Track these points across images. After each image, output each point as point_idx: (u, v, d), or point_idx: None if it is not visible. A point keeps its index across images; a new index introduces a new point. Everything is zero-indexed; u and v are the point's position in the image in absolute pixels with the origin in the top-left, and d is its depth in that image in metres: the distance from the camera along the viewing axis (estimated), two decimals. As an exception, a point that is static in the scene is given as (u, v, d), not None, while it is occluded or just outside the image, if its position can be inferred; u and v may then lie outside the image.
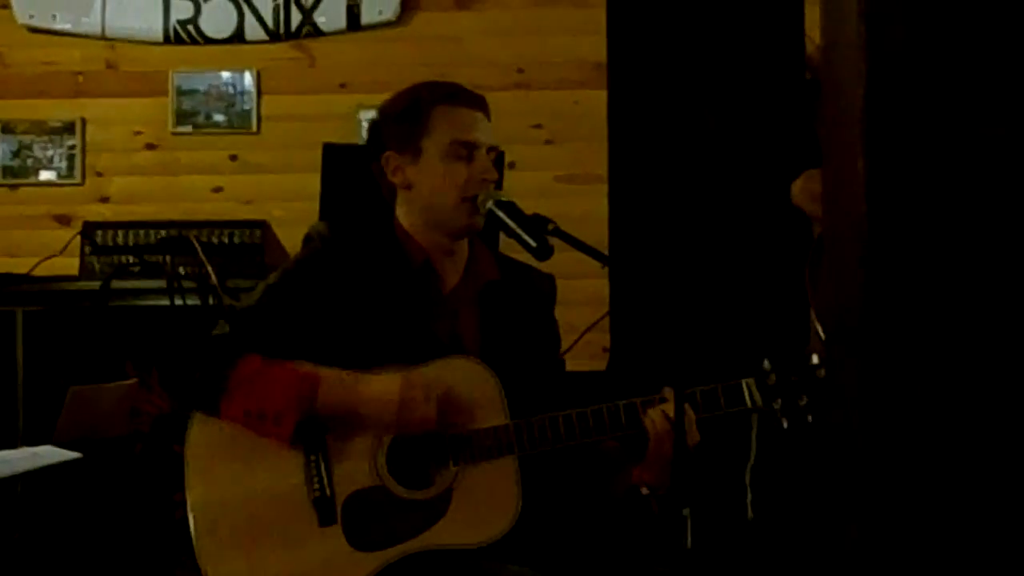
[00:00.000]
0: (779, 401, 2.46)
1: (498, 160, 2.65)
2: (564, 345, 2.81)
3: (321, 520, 2.44)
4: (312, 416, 2.42)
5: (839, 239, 1.40)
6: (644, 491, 2.50)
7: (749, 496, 3.44)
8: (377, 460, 2.45)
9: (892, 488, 1.39)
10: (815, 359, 2.47)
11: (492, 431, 2.45)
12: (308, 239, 2.63)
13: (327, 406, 2.43)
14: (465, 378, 2.48)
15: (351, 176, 4.12)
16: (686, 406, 2.41)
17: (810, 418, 2.46)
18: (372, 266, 2.56)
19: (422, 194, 2.58)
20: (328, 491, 2.45)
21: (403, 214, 2.63)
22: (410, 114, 2.58)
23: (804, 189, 3.26)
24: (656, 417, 2.44)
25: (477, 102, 2.60)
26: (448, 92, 2.61)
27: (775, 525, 3.41)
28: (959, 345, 1.38)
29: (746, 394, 2.46)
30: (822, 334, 3.06)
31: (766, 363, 2.47)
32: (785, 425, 2.46)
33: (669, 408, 2.42)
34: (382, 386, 2.43)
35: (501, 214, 2.50)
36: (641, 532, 2.67)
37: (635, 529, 2.66)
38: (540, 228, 2.45)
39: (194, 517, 2.47)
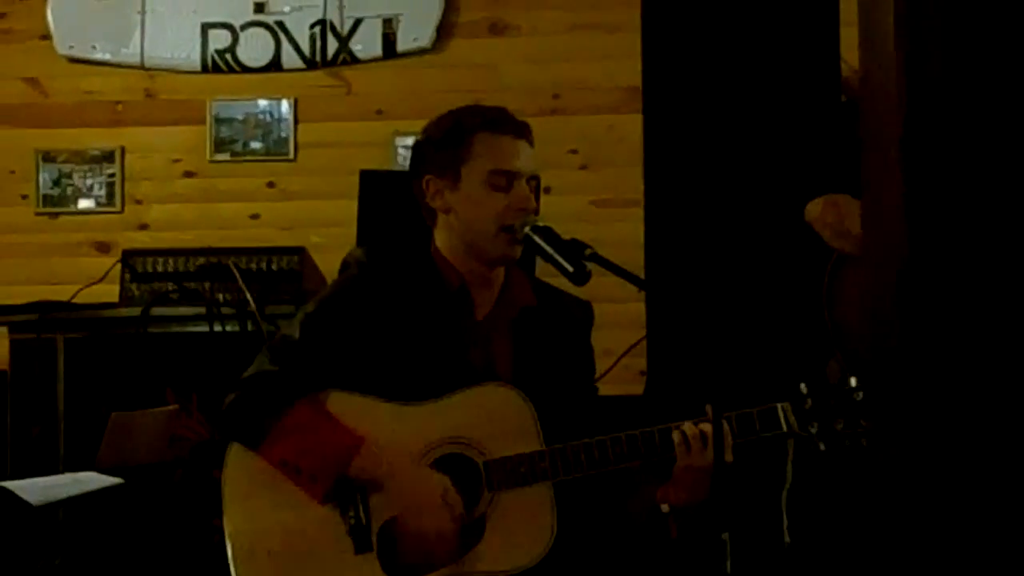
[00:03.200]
0: (815, 425, 2.45)
1: (535, 186, 2.65)
2: (601, 369, 2.80)
3: (357, 548, 2.45)
4: (345, 481, 2.45)
5: (878, 264, 1.40)
6: (664, 508, 2.49)
7: (785, 521, 3.42)
8: None
9: (933, 510, 1.38)
10: (852, 382, 2.46)
11: (526, 457, 2.45)
12: (345, 266, 2.64)
13: (361, 476, 2.45)
14: (499, 405, 2.49)
15: (388, 202, 4.15)
16: (725, 426, 2.40)
17: (847, 442, 2.45)
18: (408, 292, 2.57)
19: (461, 220, 2.58)
20: (363, 519, 2.45)
21: (441, 238, 2.63)
22: (452, 139, 2.58)
23: (824, 218, 3.25)
24: (688, 430, 2.43)
25: (520, 130, 2.59)
26: (491, 119, 2.60)
27: (812, 550, 3.39)
28: (998, 369, 1.37)
29: (782, 418, 2.45)
30: (840, 353, 3.06)
31: (803, 387, 2.46)
32: (822, 448, 2.45)
33: (704, 425, 2.42)
34: (418, 480, 2.44)
35: (538, 239, 2.50)
36: (675, 557, 2.66)
37: (668, 554, 2.65)
38: (577, 253, 2.45)
39: (232, 545, 2.48)
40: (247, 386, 2.52)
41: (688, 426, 2.43)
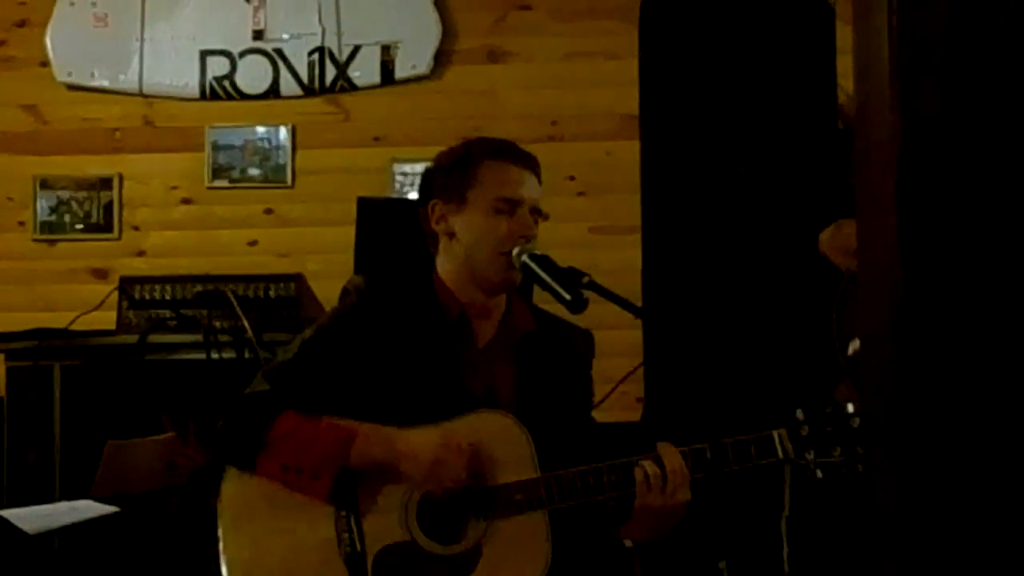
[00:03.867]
0: (812, 452, 2.44)
1: (537, 219, 2.66)
2: (599, 395, 2.80)
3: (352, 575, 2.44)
4: (348, 471, 2.43)
5: (874, 291, 1.40)
6: (628, 544, 2.49)
7: (786, 549, 3.40)
8: (407, 515, 2.45)
9: (929, 540, 1.38)
10: (850, 408, 2.45)
11: (522, 485, 2.45)
12: (345, 293, 2.65)
13: (362, 461, 2.44)
14: (495, 432, 2.48)
15: (386, 229, 4.16)
16: (680, 463, 2.41)
17: (844, 469, 2.44)
18: (407, 320, 2.58)
19: (463, 243, 2.60)
20: (359, 547, 2.45)
21: (443, 264, 2.65)
22: (460, 165, 2.62)
23: (833, 241, 3.25)
24: (645, 469, 2.42)
25: (527, 161, 2.63)
26: (499, 148, 2.65)
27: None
28: (994, 393, 1.37)
29: (778, 445, 2.45)
30: (849, 377, 3.05)
31: (799, 413, 2.46)
32: (819, 476, 2.44)
33: (659, 463, 2.41)
34: (417, 441, 2.44)
35: (535, 267, 2.51)
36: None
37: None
38: (574, 281, 2.45)
39: (228, 573, 2.48)
40: (237, 407, 2.52)
41: (646, 465, 2.43)
